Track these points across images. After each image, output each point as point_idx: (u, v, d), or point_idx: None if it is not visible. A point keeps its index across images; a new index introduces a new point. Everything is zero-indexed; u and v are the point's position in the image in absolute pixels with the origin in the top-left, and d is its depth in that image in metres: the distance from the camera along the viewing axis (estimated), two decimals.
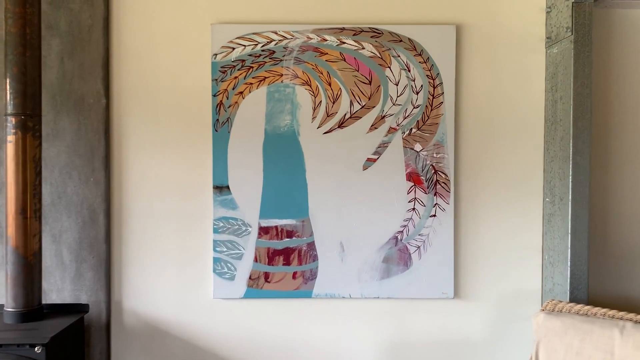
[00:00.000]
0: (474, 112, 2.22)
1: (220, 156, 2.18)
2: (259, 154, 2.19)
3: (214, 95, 2.18)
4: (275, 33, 2.17)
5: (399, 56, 2.18)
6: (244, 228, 2.20)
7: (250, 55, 2.17)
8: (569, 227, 2.03)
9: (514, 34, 2.21)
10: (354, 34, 2.17)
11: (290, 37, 2.17)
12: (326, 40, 2.18)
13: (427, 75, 2.18)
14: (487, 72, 2.21)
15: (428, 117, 2.19)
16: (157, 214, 2.23)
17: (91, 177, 2.20)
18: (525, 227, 2.24)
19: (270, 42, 2.18)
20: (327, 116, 2.19)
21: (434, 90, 2.19)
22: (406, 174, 2.20)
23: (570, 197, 2.03)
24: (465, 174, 2.23)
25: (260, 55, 2.17)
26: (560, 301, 1.87)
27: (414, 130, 2.19)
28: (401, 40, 2.18)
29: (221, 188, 2.19)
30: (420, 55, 2.18)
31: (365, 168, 2.20)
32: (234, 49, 2.17)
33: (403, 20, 2.20)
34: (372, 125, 2.19)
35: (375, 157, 2.20)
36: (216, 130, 2.18)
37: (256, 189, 2.19)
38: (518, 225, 2.24)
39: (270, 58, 2.18)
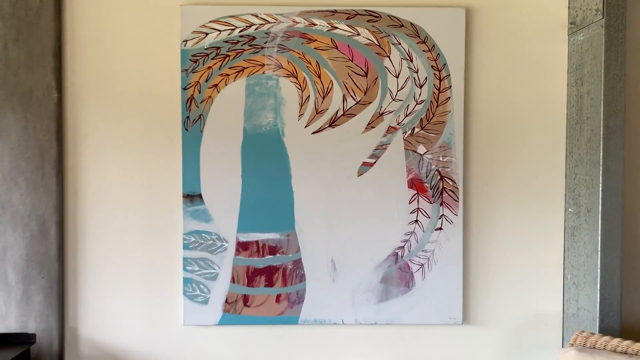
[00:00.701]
0: (486, 109, 1.92)
1: (192, 159, 1.87)
2: (236, 157, 1.88)
3: (184, 89, 1.86)
4: (256, 16, 1.86)
5: (399, 44, 1.87)
6: (219, 243, 1.89)
7: (226, 41, 1.86)
8: (599, 243, 1.73)
9: (531, 18, 1.92)
10: (348, 18, 1.87)
11: (273, 20, 1.86)
12: (315, 25, 1.87)
13: (432, 67, 1.88)
14: (501, 62, 1.91)
15: (433, 114, 1.89)
16: (119, 226, 1.91)
17: (41, 183, 1.88)
18: (544, 242, 1.95)
19: (250, 26, 1.86)
20: (317, 113, 1.88)
21: (440, 84, 1.88)
22: (408, 181, 1.90)
23: (600, 209, 1.73)
24: (476, 180, 1.93)
25: (238, 41, 1.86)
26: (593, 333, 1.57)
27: (416, 129, 1.89)
28: (402, 26, 1.87)
29: (192, 197, 1.88)
30: (424, 42, 1.88)
31: (360, 173, 1.89)
32: (207, 34, 1.86)
33: (404, 1, 1.90)
34: (368, 124, 1.89)
35: (372, 160, 1.89)
36: (186, 130, 1.87)
37: (233, 197, 1.88)
38: (536, 240, 1.95)
39: (249, 45, 1.86)
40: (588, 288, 1.79)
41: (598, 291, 1.74)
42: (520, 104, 1.92)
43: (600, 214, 1.73)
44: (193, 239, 1.89)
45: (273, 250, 1.90)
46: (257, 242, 1.89)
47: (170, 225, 1.91)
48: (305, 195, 1.89)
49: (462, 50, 1.88)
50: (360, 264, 1.90)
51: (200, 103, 1.87)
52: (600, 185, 1.73)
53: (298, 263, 1.90)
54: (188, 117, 1.87)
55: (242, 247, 1.89)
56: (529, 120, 1.93)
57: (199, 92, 1.87)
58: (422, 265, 1.91)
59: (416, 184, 1.90)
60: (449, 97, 1.89)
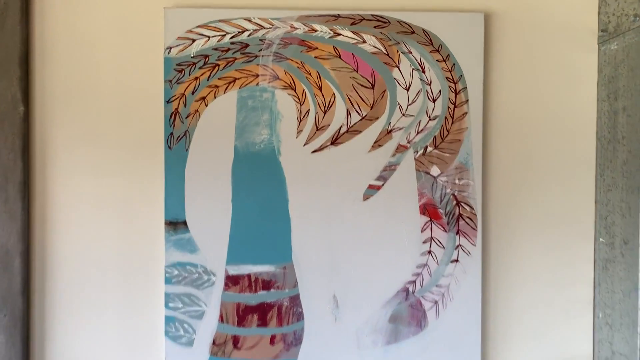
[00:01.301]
0: (507, 126, 1.71)
1: (175, 182, 1.65)
2: (226, 178, 1.66)
3: (168, 102, 1.65)
4: (249, 21, 1.65)
5: (410, 52, 1.67)
6: (205, 277, 1.66)
7: (215, 49, 1.65)
8: (639, 280, 1.52)
9: (557, 25, 1.71)
10: (352, 23, 1.66)
11: (268, 26, 1.65)
12: (316, 31, 1.66)
13: (446, 78, 1.67)
14: (524, 74, 1.71)
15: (448, 131, 1.68)
16: (92, 257, 1.69)
17: (4, 209, 1.66)
18: (572, 275, 1.73)
19: (242, 32, 1.65)
20: (317, 130, 1.67)
21: (455, 97, 1.68)
22: (420, 206, 1.68)
23: None
24: (496, 206, 1.71)
25: (229, 49, 1.65)
26: None
27: (429, 148, 1.68)
28: (413, 32, 1.66)
29: (176, 224, 1.65)
30: (438, 51, 1.67)
31: (366, 198, 1.67)
32: (194, 40, 1.65)
33: (416, 5, 1.69)
34: (375, 142, 1.67)
35: (380, 183, 1.67)
36: (170, 148, 1.65)
37: (222, 225, 1.66)
38: (563, 272, 1.73)
39: (242, 53, 1.65)
40: (625, 330, 1.57)
41: (638, 335, 1.52)
42: (545, 120, 1.72)
43: None
44: (176, 272, 1.66)
45: (267, 285, 1.67)
46: (248, 275, 1.67)
47: (150, 257, 1.69)
48: (303, 222, 1.67)
49: (480, 60, 1.67)
50: (366, 300, 1.68)
51: (186, 118, 1.65)
52: None
53: (295, 299, 1.67)
54: (172, 133, 1.65)
55: (231, 281, 1.67)
56: (554, 138, 1.72)
57: (185, 105, 1.65)
58: (436, 302, 1.69)
59: (429, 210, 1.68)
60: (466, 113, 1.68)
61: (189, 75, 1.65)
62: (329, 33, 1.66)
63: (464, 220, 1.69)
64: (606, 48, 1.67)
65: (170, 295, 1.66)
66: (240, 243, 1.66)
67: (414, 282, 1.68)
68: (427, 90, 1.67)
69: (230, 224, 1.66)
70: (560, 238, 1.72)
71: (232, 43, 1.65)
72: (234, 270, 1.67)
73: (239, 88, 1.66)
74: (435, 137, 1.68)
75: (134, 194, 1.68)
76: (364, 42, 1.66)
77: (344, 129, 1.67)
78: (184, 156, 1.65)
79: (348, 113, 1.67)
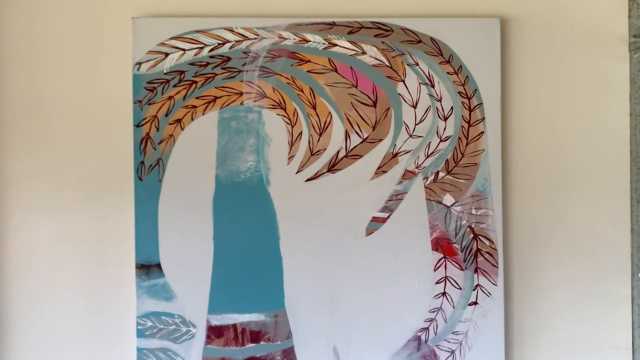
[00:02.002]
0: (530, 147, 1.49)
1: (147, 218, 1.42)
2: (206, 213, 1.43)
3: (137, 126, 1.42)
4: (231, 31, 1.43)
5: (417, 64, 1.45)
6: (184, 329, 1.42)
7: (192, 64, 1.43)
8: None
9: (583, 31, 1.50)
10: (350, 32, 1.44)
11: (253, 36, 1.44)
12: (308, 42, 1.44)
13: (459, 93, 1.45)
14: (547, 87, 1.49)
15: (462, 154, 1.46)
16: (53, 308, 1.45)
17: None
18: (608, 316, 1.50)
19: (223, 44, 1.43)
20: (312, 155, 1.44)
21: (470, 115, 1.46)
22: (432, 241, 1.45)
23: None
24: (519, 239, 1.49)
25: (209, 64, 1.43)
26: None
27: (441, 174, 1.45)
28: (420, 41, 1.45)
29: (149, 267, 1.42)
30: (448, 62, 1.45)
31: (369, 232, 1.45)
32: (167, 54, 1.42)
33: (422, 11, 1.48)
34: (379, 168, 1.45)
35: (385, 215, 1.45)
36: (140, 179, 1.42)
37: (203, 267, 1.43)
38: (597, 314, 1.50)
39: (223, 68, 1.43)
40: None
41: None
42: (572, 139, 1.50)
43: None
44: (150, 324, 1.42)
45: (256, 337, 1.43)
46: (234, 326, 1.43)
47: (119, 306, 1.45)
48: (297, 262, 1.44)
49: (497, 72, 1.46)
50: (372, 352, 1.44)
51: (159, 144, 1.42)
52: None
53: (290, 353, 1.44)
54: (142, 162, 1.42)
55: (214, 333, 1.43)
56: (583, 159, 1.50)
57: (157, 129, 1.42)
58: (453, 351, 1.45)
59: (443, 245, 1.45)
60: (482, 132, 1.46)
61: (162, 94, 1.43)
62: (323, 43, 1.44)
63: (482, 256, 1.46)
64: (639, 56, 1.47)
65: (144, 350, 1.42)
66: (224, 288, 1.43)
67: (427, 329, 1.45)
68: (437, 108, 1.45)
69: (212, 266, 1.43)
70: (593, 274, 1.50)
71: (211, 57, 1.43)
72: (217, 320, 1.43)
73: (220, 108, 1.43)
74: (447, 160, 1.45)
75: (99, 233, 1.45)
76: (364, 53, 1.45)
77: (342, 154, 1.45)
78: (156, 188, 1.42)
79: (347, 135, 1.45)
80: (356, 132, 1.45)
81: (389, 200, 1.45)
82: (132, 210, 1.42)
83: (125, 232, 1.44)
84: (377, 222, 1.45)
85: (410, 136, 1.45)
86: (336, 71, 1.45)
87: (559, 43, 1.50)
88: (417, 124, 1.45)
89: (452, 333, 1.45)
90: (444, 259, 1.45)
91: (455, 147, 1.46)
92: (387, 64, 1.45)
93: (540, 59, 1.49)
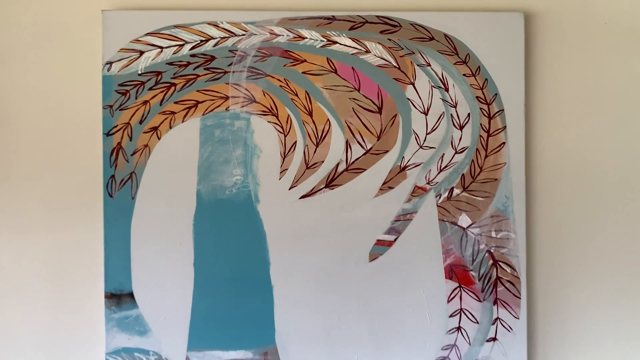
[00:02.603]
0: (557, 160, 1.30)
1: (118, 241, 1.23)
2: (186, 235, 1.24)
3: (108, 134, 1.24)
4: (215, 26, 1.25)
5: (428, 65, 1.26)
6: None
7: (171, 63, 1.25)
8: None
9: (617, 27, 1.31)
10: (352, 28, 1.26)
11: (241, 32, 1.25)
12: (304, 39, 1.26)
13: (477, 98, 1.27)
14: (577, 92, 1.30)
15: (480, 168, 1.27)
16: (11, 343, 1.26)
17: None
18: None
19: (207, 41, 1.25)
20: (307, 168, 1.26)
21: (489, 123, 1.27)
22: (445, 268, 1.26)
23: None
24: (545, 266, 1.30)
25: (190, 63, 1.25)
26: None
27: (456, 191, 1.27)
28: (432, 39, 1.26)
29: (120, 297, 1.23)
30: (465, 63, 1.27)
31: (373, 257, 1.26)
32: (142, 53, 1.24)
33: (434, 4, 1.29)
34: (384, 183, 1.26)
35: (391, 238, 1.26)
36: (110, 196, 1.24)
37: (182, 298, 1.24)
38: (636, 353, 1.31)
39: (206, 69, 1.25)
40: None
41: None
42: (606, 151, 1.31)
43: None
44: None
45: None
46: None
47: (86, 341, 1.26)
48: (290, 292, 1.25)
49: (520, 74, 1.27)
50: None
51: (132, 155, 1.24)
52: None
53: None
54: (113, 176, 1.24)
55: None
56: (619, 176, 1.31)
57: (130, 138, 1.24)
58: None
59: (458, 273, 1.27)
60: (504, 143, 1.27)
61: (136, 98, 1.24)
62: (321, 41, 1.26)
63: (503, 285, 1.27)
64: None
65: None
66: (206, 321, 1.24)
67: None
68: (451, 114, 1.27)
69: (192, 296, 1.24)
70: (630, 307, 1.31)
71: (192, 56, 1.25)
72: (198, 358, 1.24)
73: (203, 114, 1.25)
74: (463, 175, 1.27)
75: (63, 257, 1.26)
76: (368, 52, 1.26)
77: (342, 167, 1.26)
78: (129, 206, 1.24)
79: (348, 145, 1.26)
80: (358, 143, 1.26)
81: (395, 221, 1.26)
82: (100, 231, 1.24)
83: (92, 256, 1.26)
84: (382, 246, 1.26)
85: (421, 147, 1.27)
86: (336, 72, 1.26)
87: (591, 41, 1.31)
88: (429, 134, 1.27)
89: None
90: (459, 288, 1.27)
91: (473, 160, 1.27)
92: (395, 64, 1.26)
93: (570, 59, 1.30)
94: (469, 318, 1.27)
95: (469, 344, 1.27)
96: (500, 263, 1.27)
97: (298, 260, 1.25)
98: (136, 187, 1.24)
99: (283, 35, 1.26)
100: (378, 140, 1.27)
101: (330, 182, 1.26)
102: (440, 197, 1.27)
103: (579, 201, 1.30)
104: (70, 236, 1.26)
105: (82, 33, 1.27)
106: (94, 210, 1.25)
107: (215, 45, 1.25)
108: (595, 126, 1.30)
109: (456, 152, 1.27)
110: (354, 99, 1.26)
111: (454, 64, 1.27)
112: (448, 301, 1.26)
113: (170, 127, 1.25)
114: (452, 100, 1.27)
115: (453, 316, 1.27)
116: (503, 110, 1.27)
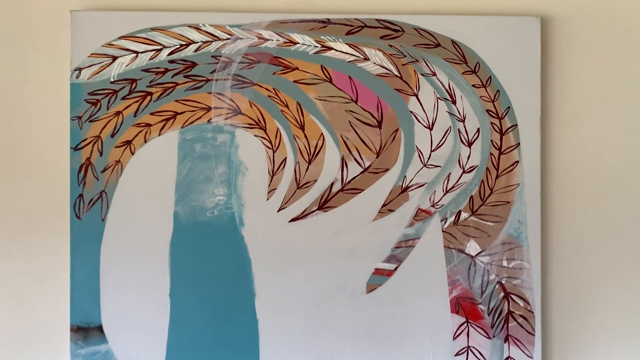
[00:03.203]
0: (577, 181, 1.17)
1: (86, 267, 1.10)
2: (162, 262, 1.11)
3: (76, 149, 1.11)
4: (197, 29, 1.12)
5: (434, 74, 1.14)
6: None
7: (147, 70, 1.12)
8: None
9: None
10: (350, 32, 1.13)
11: (225, 36, 1.13)
12: (296, 44, 1.13)
13: (488, 111, 1.14)
14: (599, 104, 1.18)
15: (491, 190, 1.14)
16: None
17: None
18: None
19: (187, 45, 1.12)
20: (298, 187, 1.13)
21: (501, 140, 1.14)
22: (451, 300, 1.13)
23: None
24: (562, 299, 1.16)
25: (168, 70, 1.12)
26: None
27: (464, 215, 1.14)
28: (439, 45, 1.14)
29: (87, 330, 1.10)
30: (474, 72, 1.14)
31: (371, 289, 1.13)
32: (115, 58, 1.11)
33: (441, 6, 1.17)
34: (384, 206, 1.13)
35: (391, 267, 1.13)
36: (78, 217, 1.11)
37: (157, 331, 1.11)
38: None
39: (186, 76, 1.12)
40: None
41: None
42: (631, 171, 1.18)
43: None
44: None
45: None
46: None
47: None
48: (278, 326, 1.12)
49: (536, 85, 1.14)
50: None
51: (102, 172, 1.11)
52: None
53: None
54: (81, 195, 1.11)
55: None
56: None
57: (101, 153, 1.11)
58: None
59: (465, 306, 1.13)
60: (517, 162, 1.14)
61: (108, 109, 1.12)
62: (315, 46, 1.13)
63: (515, 320, 1.13)
64: None
65: None
66: (184, 358, 1.11)
67: None
68: (459, 129, 1.14)
69: (168, 330, 1.11)
70: None
71: (171, 62, 1.12)
72: None
73: (182, 127, 1.12)
74: (472, 197, 1.14)
75: (24, 286, 1.13)
76: (366, 59, 1.13)
77: (337, 187, 1.13)
78: (98, 229, 1.11)
79: (343, 163, 1.13)
80: (355, 160, 1.13)
81: (396, 248, 1.13)
82: (66, 257, 1.11)
83: (57, 284, 1.13)
84: (381, 276, 1.13)
85: (425, 165, 1.14)
86: (331, 82, 1.13)
87: (614, 49, 1.18)
88: (434, 150, 1.14)
89: None
90: (466, 323, 1.13)
91: (482, 181, 1.14)
92: (396, 73, 1.14)
93: (591, 69, 1.17)
94: (477, 357, 1.13)
95: None
96: (513, 296, 1.14)
97: (287, 291, 1.12)
98: (107, 207, 1.11)
99: (272, 40, 1.13)
100: (377, 157, 1.14)
101: (324, 204, 1.13)
102: (446, 222, 1.14)
103: (601, 227, 1.17)
104: (32, 262, 1.13)
105: (47, 36, 1.14)
106: (60, 233, 1.12)
107: (196, 50, 1.12)
108: (619, 143, 1.17)
109: (464, 172, 1.14)
110: (350, 111, 1.14)
111: (463, 73, 1.14)
112: (454, 338, 1.13)
113: (145, 141, 1.12)
114: (459, 113, 1.14)
115: (459, 355, 1.13)
116: (516, 125, 1.14)
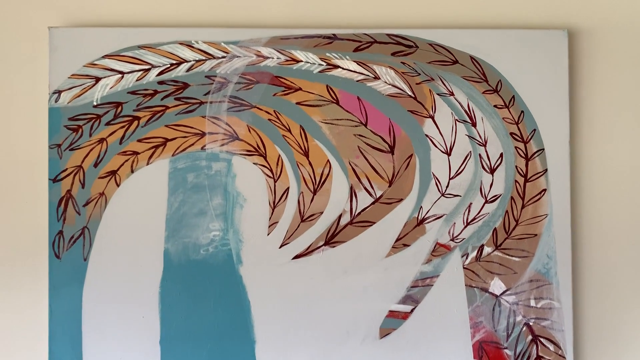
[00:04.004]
0: (611, 210, 1.06)
1: (67, 313, 0.99)
2: (151, 305, 1.00)
3: (55, 180, 1.00)
4: (189, 47, 1.02)
5: (451, 94, 1.03)
6: None
7: (133, 92, 1.01)
8: None
9: None
10: (358, 48, 1.02)
11: (221, 54, 1.02)
12: (298, 62, 1.02)
13: (512, 134, 1.03)
14: (634, 123, 1.07)
15: (516, 221, 1.03)
16: None
17: None
18: None
19: (178, 64, 1.02)
20: (302, 221, 1.02)
21: (527, 165, 1.03)
22: (474, 345, 1.02)
23: None
24: (596, 342, 1.05)
25: (157, 92, 1.01)
26: None
27: (487, 249, 1.02)
28: (456, 62, 1.03)
29: None
30: (496, 91, 1.03)
31: (384, 333, 1.01)
32: (98, 79, 1.01)
33: (459, 20, 1.06)
34: (398, 240, 1.02)
35: (407, 308, 1.01)
36: (57, 257, 0.99)
37: None
38: None
39: (177, 99, 1.01)
40: None
41: None
42: None
43: None
44: None
45: None
46: None
47: None
48: None
49: (564, 104, 1.03)
50: None
51: (84, 206, 1.00)
52: None
53: None
54: (61, 232, 0.99)
55: None
56: None
57: (83, 185, 1.00)
58: None
59: (489, 351, 1.02)
60: (544, 190, 1.03)
61: (90, 135, 1.01)
62: (320, 64, 1.02)
63: None
64: None
65: None
66: None
67: None
68: (480, 155, 1.03)
69: None
70: None
71: (160, 82, 1.01)
72: None
73: (173, 155, 1.01)
74: (495, 230, 1.02)
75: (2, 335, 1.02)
76: (377, 78, 1.03)
77: (345, 219, 1.02)
78: (80, 270, 1.00)
79: (352, 192, 1.02)
80: (365, 189, 1.02)
81: (412, 287, 1.02)
82: (44, 301, 1.00)
83: (34, 332, 1.01)
84: (395, 319, 1.01)
85: (443, 195, 1.02)
86: (337, 103, 1.03)
87: None
88: (452, 178, 1.03)
89: None
90: None
91: (507, 211, 1.03)
92: (410, 93, 1.03)
93: (624, 85, 1.07)
94: None
95: None
96: (542, 339, 1.02)
97: (291, 337, 1.00)
98: (89, 245, 1.00)
99: (273, 58, 1.02)
100: (390, 186, 1.02)
101: (331, 239, 1.02)
102: (467, 258, 1.02)
103: (638, 263, 1.05)
104: (6, 307, 1.02)
105: (23, 55, 1.03)
106: (37, 274, 1.01)
107: (188, 69, 1.01)
108: None
109: (486, 202, 1.03)
110: (359, 135, 1.03)
111: (483, 92, 1.03)
112: None
113: (132, 171, 1.01)
114: (480, 137, 1.03)
115: None
116: (543, 149, 1.03)
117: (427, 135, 1.03)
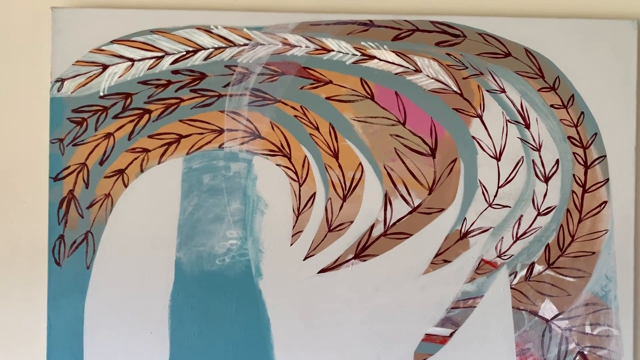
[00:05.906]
0: None
1: (67, 326, 0.90)
2: (160, 320, 0.90)
3: (56, 179, 0.90)
4: (208, 32, 0.91)
5: (502, 91, 0.91)
6: None
7: (145, 82, 0.90)
8: None
9: None
10: (397, 37, 0.91)
11: (243, 41, 0.91)
12: (329, 52, 0.91)
13: (569, 138, 0.91)
14: None
15: (572, 237, 0.91)
16: None
17: None
18: None
19: (195, 52, 0.91)
20: (329, 230, 0.91)
21: (586, 174, 0.91)
22: None
23: None
24: None
25: (171, 83, 0.90)
26: None
27: (539, 268, 0.91)
28: (509, 54, 0.91)
29: None
30: (553, 89, 0.91)
31: (421, 358, 0.90)
32: (106, 67, 0.90)
33: (513, 7, 0.94)
34: (437, 255, 0.91)
35: (446, 332, 0.90)
36: (58, 264, 0.90)
37: None
38: None
39: (193, 91, 0.90)
40: None
41: None
42: None
43: None
44: None
45: None
46: None
47: None
48: None
49: (631, 105, 0.91)
50: None
51: (88, 208, 0.90)
52: None
53: None
54: (62, 237, 0.90)
55: None
56: None
57: (86, 185, 0.90)
58: None
59: None
60: (605, 202, 0.91)
61: (96, 130, 0.90)
62: (354, 55, 0.91)
63: None
64: None
65: None
66: None
67: None
68: (533, 161, 0.91)
69: None
70: None
71: (175, 72, 0.90)
72: None
73: (187, 154, 0.91)
74: (548, 246, 0.91)
75: None
76: (418, 71, 0.91)
77: (378, 230, 0.91)
78: (82, 279, 0.90)
79: (387, 200, 0.91)
80: (402, 197, 0.91)
81: (452, 308, 0.90)
82: (43, 313, 0.90)
83: (31, 346, 0.92)
84: (432, 343, 0.90)
85: (490, 205, 0.91)
86: (372, 99, 0.91)
87: None
88: (502, 187, 0.91)
89: None
90: None
91: (562, 226, 0.91)
92: (455, 89, 0.91)
93: None
94: None
95: None
96: None
97: (314, 358, 0.90)
98: (93, 252, 0.90)
99: (301, 47, 0.91)
100: (430, 194, 0.91)
101: (362, 252, 0.91)
102: (515, 276, 0.91)
103: None
104: (2, 318, 0.92)
105: (23, 38, 0.93)
106: (35, 283, 0.91)
107: (206, 58, 0.90)
108: None
109: (539, 214, 0.91)
110: (397, 135, 0.91)
111: (538, 90, 0.91)
112: None
113: (142, 171, 0.90)
114: (534, 140, 0.91)
115: None
116: (605, 156, 0.91)
117: (473, 137, 0.91)
